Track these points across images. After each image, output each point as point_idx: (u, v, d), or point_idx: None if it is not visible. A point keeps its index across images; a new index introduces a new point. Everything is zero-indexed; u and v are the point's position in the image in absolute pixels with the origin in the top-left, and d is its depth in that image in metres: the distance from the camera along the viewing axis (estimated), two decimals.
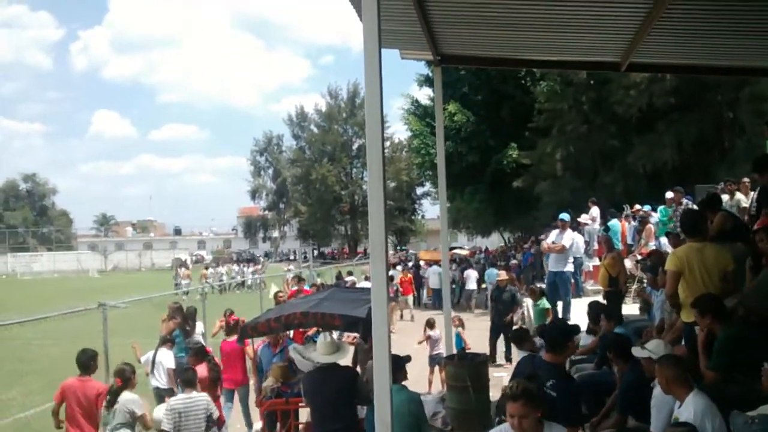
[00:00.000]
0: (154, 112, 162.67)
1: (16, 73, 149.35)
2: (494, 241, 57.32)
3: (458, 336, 11.48)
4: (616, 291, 10.27)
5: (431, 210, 74.00)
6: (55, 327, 17.87)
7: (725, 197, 10.97)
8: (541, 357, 5.26)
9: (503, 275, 14.32)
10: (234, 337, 9.30)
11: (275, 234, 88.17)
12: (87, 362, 7.45)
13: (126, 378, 7.01)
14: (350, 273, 23.65)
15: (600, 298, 10.40)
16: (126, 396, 6.90)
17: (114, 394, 6.92)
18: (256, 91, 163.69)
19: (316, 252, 72.40)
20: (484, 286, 23.04)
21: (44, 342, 17.63)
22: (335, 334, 8.44)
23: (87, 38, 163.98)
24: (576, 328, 5.20)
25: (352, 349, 6.52)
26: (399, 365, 5.81)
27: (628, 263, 12.91)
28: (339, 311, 6.49)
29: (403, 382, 5.87)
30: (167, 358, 9.00)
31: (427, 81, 30.34)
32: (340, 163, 73.44)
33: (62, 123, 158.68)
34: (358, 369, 8.29)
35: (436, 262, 23.74)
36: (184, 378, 7.08)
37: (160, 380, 8.85)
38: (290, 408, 7.29)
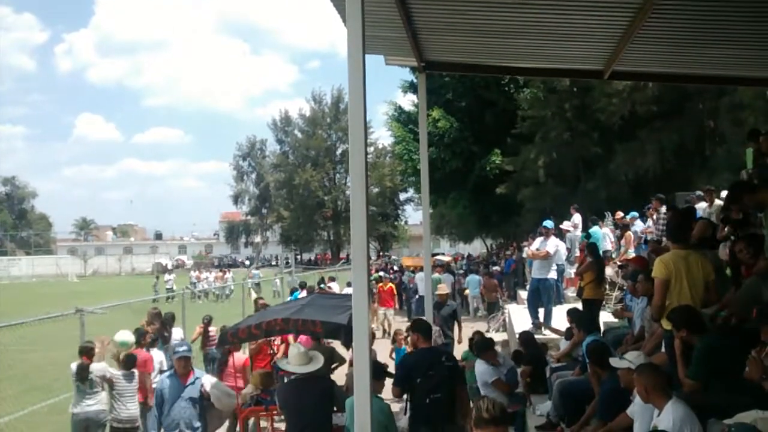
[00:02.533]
0: (139, 116, 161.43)
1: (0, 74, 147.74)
2: (477, 248, 57.56)
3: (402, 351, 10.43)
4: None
5: (414, 216, 74.22)
6: (32, 332, 17.54)
7: (704, 204, 11.08)
8: None
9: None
10: None
11: (257, 239, 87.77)
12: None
13: (90, 353, 8.03)
14: (332, 279, 23.55)
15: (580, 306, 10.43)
16: (96, 366, 7.93)
17: (84, 370, 7.89)
18: (242, 96, 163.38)
19: (298, 257, 72.12)
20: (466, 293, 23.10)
21: (22, 347, 17.35)
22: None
23: (72, 41, 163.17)
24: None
25: (322, 358, 6.40)
26: (377, 374, 5.76)
27: (609, 270, 12.97)
28: (320, 317, 6.46)
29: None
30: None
31: (411, 87, 30.37)
32: (323, 168, 73.32)
33: (45, 126, 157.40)
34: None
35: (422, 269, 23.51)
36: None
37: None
38: (270, 416, 7.22)
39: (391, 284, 21.52)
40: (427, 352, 6.10)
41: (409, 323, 12.13)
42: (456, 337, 11.76)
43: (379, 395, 5.65)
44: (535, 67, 10.50)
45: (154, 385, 7.78)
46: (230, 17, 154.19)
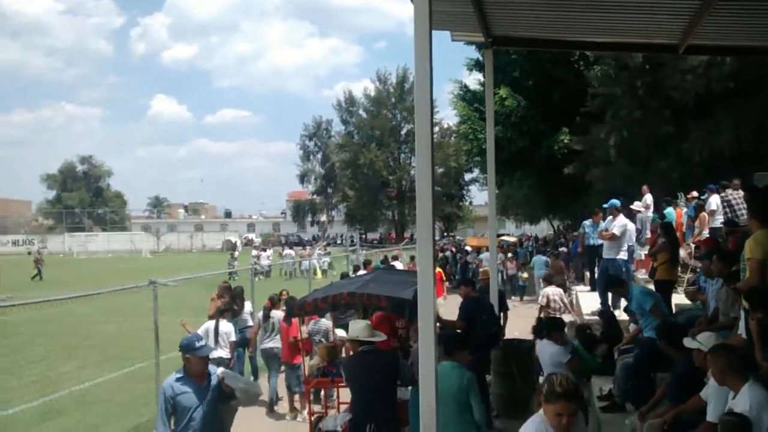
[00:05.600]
0: (210, 97, 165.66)
1: (79, 59, 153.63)
2: (543, 229, 56.75)
3: None
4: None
5: (479, 196, 73.63)
6: (107, 304, 18.41)
7: None
8: None
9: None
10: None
11: (323, 218, 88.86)
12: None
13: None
14: (396, 257, 23.65)
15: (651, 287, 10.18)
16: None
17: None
18: (309, 77, 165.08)
19: (363, 237, 72.71)
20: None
21: (98, 318, 18.20)
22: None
23: (147, 24, 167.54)
24: None
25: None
26: (461, 345, 5.80)
27: (682, 252, 12.59)
28: (385, 293, 6.50)
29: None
30: (230, 329, 9.32)
31: (477, 65, 29.95)
32: (388, 148, 73.45)
33: (121, 107, 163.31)
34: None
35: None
36: None
37: (223, 350, 9.14)
38: (335, 387, 7.34)
39: (439, 269, 18.53)
40: (480, 300, 8.05)
41: None
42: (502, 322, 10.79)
43: (463, 365, 5.65)
44: (606, 41, 10.19)
45: (163, 386, 5.55)
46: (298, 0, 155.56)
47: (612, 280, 9.23)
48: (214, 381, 5.32)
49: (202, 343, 5.42)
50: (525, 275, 22.88)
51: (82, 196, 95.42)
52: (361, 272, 15.20)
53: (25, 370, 12.33)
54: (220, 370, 5.53)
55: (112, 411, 9.79)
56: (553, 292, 12.57)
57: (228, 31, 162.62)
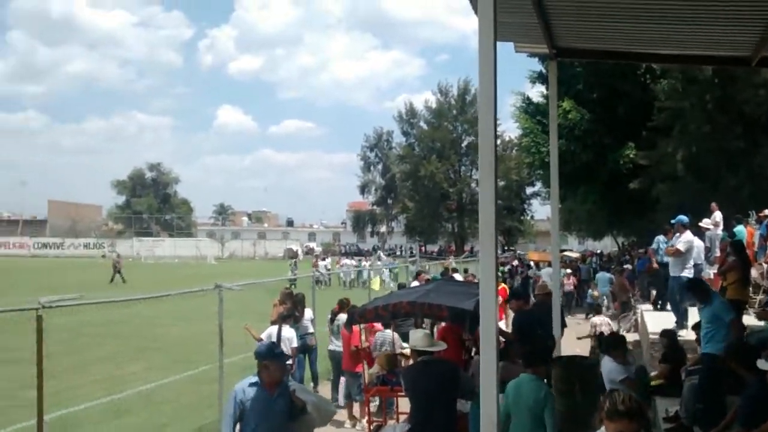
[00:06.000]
0: (274, 108, 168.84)
1: (150, 70, 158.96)
2: (607, 245, 55.54)
3: None
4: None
5: (541, 210, 72.68)
6: (174, 308, 18.98)
7: None
8: None
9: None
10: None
11: (383, 229, 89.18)
12: None
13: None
14: (456, 270, 23.56)
15: None
16: (342, 316, 10.17)
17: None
18: (371, 89, 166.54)
19: (422, 248, 72.65)
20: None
21: (164, 321, 18.74)
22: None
23: (214, 36, 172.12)
24: None
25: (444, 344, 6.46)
26: (540, 360, 5.73)
27: (754, 272, 12.18)
28: (446, 303, 6.53)
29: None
30: (292, 335, 9.48)
31: (540, 78, 29.67)
32: (448, 160, 73.30)
33: (189, 117, 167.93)
34: None
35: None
36: None
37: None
38: (395, 396, 7.38)
39: (503, 285, 18.11)
40: (533, 314, 8.37)
41: None
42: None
43: (541, 377, 5.60)
44: (674, 53, 9.97)
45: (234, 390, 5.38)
46: (362, 12, 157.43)
47: (695, 283, 8.81)
48: (285, 392, 5.15)
49: (281, 350, 5.45)
50: (596, 293, 22.40)
51: (151, 202, 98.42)
52: (414, 283, 15.26)
53: (94, 369, 12.84)
54: (292, 382, 5.43)
55: (178, 411, 10.05)
56: (600, 321, 12.48)
57: (292, 43, 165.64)
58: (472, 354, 8.04)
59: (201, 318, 16.95)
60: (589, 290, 23.94)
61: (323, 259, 40.37)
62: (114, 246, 75.24)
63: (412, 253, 46.06)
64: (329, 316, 11.14)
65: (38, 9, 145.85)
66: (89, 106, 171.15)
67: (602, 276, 22.42)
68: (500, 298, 16.73)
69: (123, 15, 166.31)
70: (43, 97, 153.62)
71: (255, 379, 5.14)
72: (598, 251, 51.52)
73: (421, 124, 77.55)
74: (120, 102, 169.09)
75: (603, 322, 12.48)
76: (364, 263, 41.32)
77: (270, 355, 5.14)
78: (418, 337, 6.16)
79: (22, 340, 10.81)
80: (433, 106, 75.92)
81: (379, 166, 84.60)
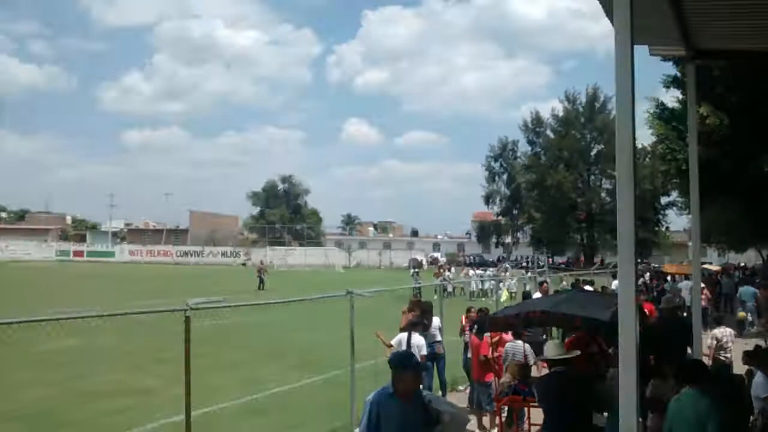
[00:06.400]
0: (399, 120, 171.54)
1: (282, 86, 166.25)
2: (750, 258, 51.94)
3: None
4: None
5: (676, 221, 68.88)
6: (306, 314, 19.64)
7: None
8: None
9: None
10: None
11: (508, 240, 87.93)
12: None
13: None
14: (586, 282, 22.81)
15: None
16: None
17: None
18: (495, 99, 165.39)
19: (550, 260, 70.90)
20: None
21: (297, 327, 19.43)
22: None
23: (342, 52, 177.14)
24: None
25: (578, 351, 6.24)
26: (698, 372, 5.49)
27: None
28: (580, 313, 6.39)
29: None
30: (421, 342, 9.59)
31: (675, 82, 28.21)
32: (576, 169, 71.28)
33: (318, 130, 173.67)
34: None
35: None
36: None
37: None
38: (527, 406, 7.28)
39: (648, 302, 16.10)
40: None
41: None
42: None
43: (700, 389, 5.38)
44: None
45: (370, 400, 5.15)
46: (486, 23, 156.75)
47: None
48: (420, 402, 4.92)
49: (417, 360, 5.11)
50: (742, 313, 20.89)
51: (283, 213, 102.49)
52: (536, 294, 14.99)
53: (233, 370, 13.52)
54: (427, 392, 5.36)
55: (311, 414, 10.37)
56: (722, 333, 11.67)
57: (417, 56, 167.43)
58: (602, 368, 7.79)
59: (331, 324, 17.45)
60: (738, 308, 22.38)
61: (448, 270, 40.24)
62: (249, 255, 79.17)
63: (539, 264, 45.08)
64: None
65: (180, 33, 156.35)
66: (226, 122, 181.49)
67: (746, 290, 21.04)
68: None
69: (256, 34, 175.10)
70: (185, 115, 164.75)
71: (389, 389, 4.88)
72: (741, 264, 48.23)
73: (548, 132, 75.94)
74: (254, 117, 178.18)
75: (725, 334, 11.67)
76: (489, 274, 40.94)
77: (405, 364, 4.91)
78: (551, 346, 6.07)
79: (170, 341, 11.67)
80: (560, 114, 74.16)
81: (504, 176, 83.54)
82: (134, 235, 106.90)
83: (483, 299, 27.79)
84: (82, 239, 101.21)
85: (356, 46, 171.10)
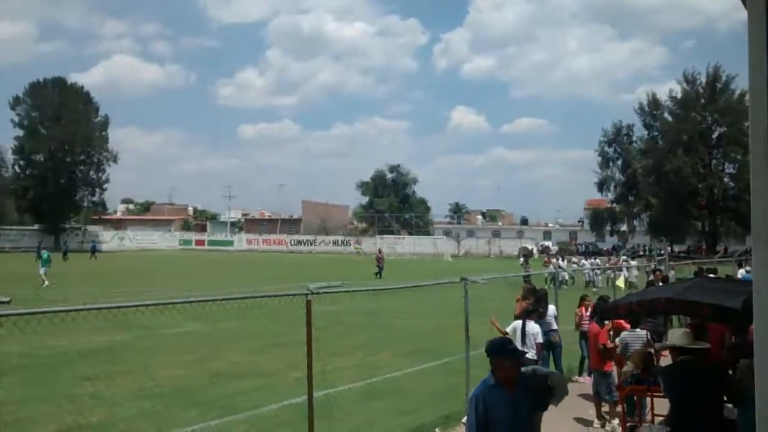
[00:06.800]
0: (507, 107, 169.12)
1: (389, 76, 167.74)
2: None
3: None
4: None
5: None
6: (418, 301, 19.88)
7: None
8: None
9: None
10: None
11: (623, 228, 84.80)
12: None
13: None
14: (709, 270, 21.71)
15: None
16: None
17: None
18: (608, 82, 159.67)
19: (669, 248, 67.89)
20: None
21: (407, 314, 19.70)
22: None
23: (448, 40, 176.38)
24: None
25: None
26: None
27: None
28: (708, 300, 6.13)
29: None
30: (537, 330, 9.52)
31: None
32: (697, 153, 67.64)
33: (425, 119, 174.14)
34: None
35: None
36: None
37: (530, 351, 9.35)
38: (651, 396, 7.08)
39: None
40: None
41: None
42: None
43: None
44: None
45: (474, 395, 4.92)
46: (598, 4, 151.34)
47: None
48: (524, 386, 4.69)
49: (513, 346, 4.91)
50: None
51: (391, 202, 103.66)
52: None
53: (349, 355, 13.89)
54: (525, 368, 4.92)
55: (425, 399, 10.50)
56: None
57: (525, 41, 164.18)
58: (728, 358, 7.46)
59: (442, 311, 17.60)
60: None
61: (562, 258, 39.41)
62: (359, 243, 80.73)
63: (660, 252, 43.22)
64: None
65: (292, 27, 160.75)
66: (335, 114, 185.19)
67: None
68: None
69: (364, 26, 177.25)
70: (296, 108, 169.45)
71: (490, 380, 4.70)
72: None
73: (665, 115, 72.46)
74: (362, 108, 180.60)
75: None
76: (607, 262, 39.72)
77: (502, 352, 4.67)
78: (678, 335, 5.85)
79: (289, 325, 12.14)
80: (678, 95, 70.55)
81: (619, 162, 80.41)
82: (251, 224, 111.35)
83: (595, 290, 27.02)
84: (202, 229, 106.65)
85: (463, 33, 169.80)
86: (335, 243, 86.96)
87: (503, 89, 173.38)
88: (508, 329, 9.53)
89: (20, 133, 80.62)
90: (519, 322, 9.62)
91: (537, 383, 4.74)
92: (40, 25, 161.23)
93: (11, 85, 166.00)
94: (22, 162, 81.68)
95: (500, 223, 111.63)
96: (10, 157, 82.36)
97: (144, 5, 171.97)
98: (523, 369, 4.81)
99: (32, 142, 79.53)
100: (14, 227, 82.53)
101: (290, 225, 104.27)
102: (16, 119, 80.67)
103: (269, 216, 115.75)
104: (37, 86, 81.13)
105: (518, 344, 9.27)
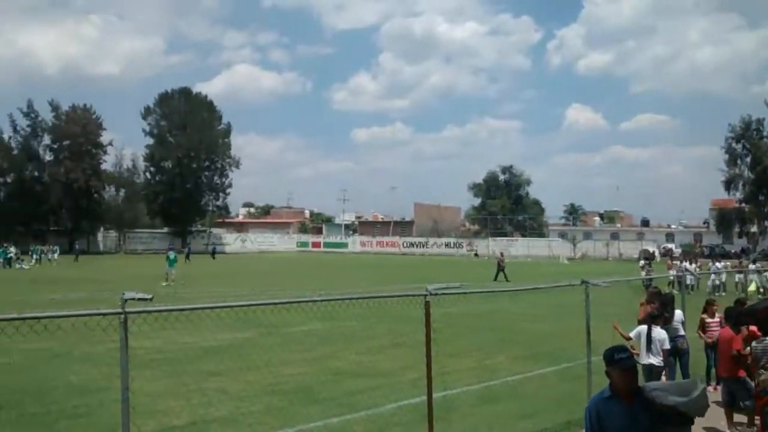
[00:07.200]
0: (625, 103, 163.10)
1: (500, 75, 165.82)
2: None
3: None
4: None
5: None
6: (532, 304, 19.56)
7: None
8: None
9: None
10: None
11: (753, 229, 79.50)
12: None
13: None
14: None
15: None
16: None
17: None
18: (735, 74, 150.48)
19: None
20: None
21: (523, 317, 19.41)
22: None
23: (562, 36, 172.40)
24: None
25: None
26: None
27: None
28: None
29: None
30: (663, 336, 9.16)
31: None
32: None
33: (537, 118, 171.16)
34: None
35: None
36: None
37: (656, 358, 9.03)
38: None
39: None
40: None
41: None
42: None
43: None
44: None
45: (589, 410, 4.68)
46: None
47: None
48: (644, 399, 4.42)
49: (625, 354, 4.52)
50: None
51: (504, 203, 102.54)
52: None
53: (466, 357, 13.84)
54: (649, 384, 4.67)
55: (545, 404, 10.28)
56: None
57: (644, 34, 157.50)
58: None
59: (559, 314, 17.25)
60: None
61: (690, 261, 37.42)
62: (472, 245, 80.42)
63: None
64: None
65: (403, 31, 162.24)
66: (446, 115, 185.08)
67: None
68: None
69: (475, 26, 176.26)
70: (408, 110, 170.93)
71: (607, 392, 4.47)
72: None
73: None
74: (473, 109, 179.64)
75: None
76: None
77: (610, 360, 4.41)
78: None
79: (406, 326, 12.28)
80: None
81: (748, 159, 75.54)
82: (364, 227, 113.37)
83: (723, 294, 25.54)
84: (318, 231, 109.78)
85: (578, 28, 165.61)
86: (447, 245, 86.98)
87: (621, 85, 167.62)
88: (632, 334, 9.22)
89: (151, 141, 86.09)
90: (644, 327, 9.26)
91: (662, 409, 4.38)
92: (168, 39, 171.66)
93: (145, 96, 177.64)
94: (152, 169, 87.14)
95: (619, 225, 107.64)
96: (141, 164, 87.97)
97: (262, 16, 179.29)
98: (648, 387, 4.54)
99: (161, 149, 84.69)
100: (146, 230, 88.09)
101: (403, 227, 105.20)
102: (147, 128, 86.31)
103: (382, 218, 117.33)
104: (165, 97, 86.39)
105: (643, 350, 8.96)
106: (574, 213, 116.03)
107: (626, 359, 4.38)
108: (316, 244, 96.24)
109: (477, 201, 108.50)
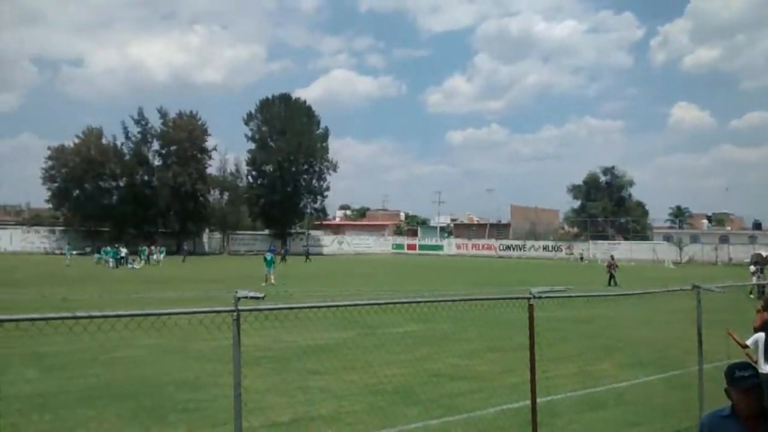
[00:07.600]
0: (736, 100, 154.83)
1: (600, 74, 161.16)
2: None
3: None
4: None
5: None
6: (635, 309, 18.90)
7: None
8: None
9: None
10: None
11: None
12: None
13: None
14: None
15: None
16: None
17: None
18: None
19: None
20: None
21: (627, 323, 18.80)
22: None
23: (666, 32, 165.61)
24: None
25: None
26: None
27: None
28: None
29: None
30: None
31: None
32: None
33: (640, 118, 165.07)
34: None
35: None
36: None
37: None
38: None
39: None
40: None
41: None
42: None
43: None
44: None
45: (701, 425, 4.29)
46: None
47: None
48: None
49: (747, 372, 3.89)
50: None
51: (605, 206, 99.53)
52: None
53: (566, 362, 13.56)
54: None
55: (651, 412, 9.96)
56: None
57: (756, 27, 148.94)
58: None
59: (665, 321, 16.61)
60: None
61: None
62: (571, 249, 78.51)
63: None
64: None
65: (500, 31, 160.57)
66: (544, 116, 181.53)
67: None
68: None
69: (574, 24, 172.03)
70: (503, 112, 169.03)
71: (727, 410, 3.97)
72: None
73: None
74: (571, 108, 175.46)
75: None
76: None
77: (729, 378, 3.90)
78: None
79: (503, 330, 12.16)
80: None
81: None
82: (459, 229, 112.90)
83: None
84: (413, 234, 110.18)
85: (683, 24, 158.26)
86: (545, 248, 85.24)
87: (731, 81, 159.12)
88: (749, 342, 8.76)
89: (252, 146, 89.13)
90: (761, 335, 8.77)
91: None
92: (268, 46, 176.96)
93: (246, 102, 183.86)
94: (254, 173, 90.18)
95: (729, 228, 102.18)
96: (244, 168, 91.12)
97: (358, 21, 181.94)
98: None
99: (262, 154, 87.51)
100: (248, 232, 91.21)
101: (499, 230, 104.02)
102: (249, 134, 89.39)
103: (478, 221, 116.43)
104: (266, 103, 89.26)
105: (761, 359, 8.50)
106: (680, 216, 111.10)
107: (747, 378, 3.83)
108: (411, 247, 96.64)
109: (576, 203, 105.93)
